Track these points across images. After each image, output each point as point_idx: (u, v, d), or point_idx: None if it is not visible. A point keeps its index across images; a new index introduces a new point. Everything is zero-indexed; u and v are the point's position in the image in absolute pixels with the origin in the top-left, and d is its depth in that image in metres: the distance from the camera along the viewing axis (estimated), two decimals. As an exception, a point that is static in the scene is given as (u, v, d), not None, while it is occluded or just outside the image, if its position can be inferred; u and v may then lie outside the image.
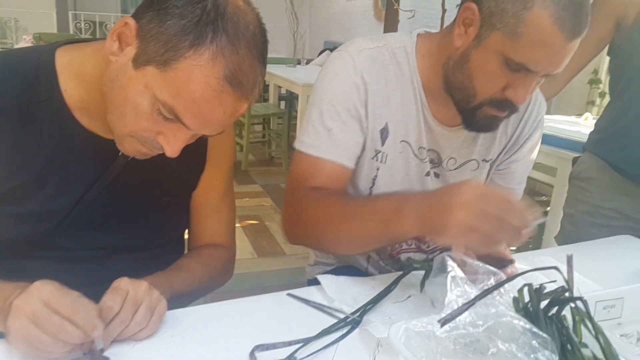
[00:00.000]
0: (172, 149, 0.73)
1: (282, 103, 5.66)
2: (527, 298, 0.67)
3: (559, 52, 0.80)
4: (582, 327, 0.63)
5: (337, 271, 0.99)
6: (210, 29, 0.66)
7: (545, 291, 0.66)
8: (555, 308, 0.65)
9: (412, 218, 0.77)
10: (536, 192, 3.33)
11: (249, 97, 0.71)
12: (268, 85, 5.30)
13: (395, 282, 0.88)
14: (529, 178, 2.89)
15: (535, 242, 2.56)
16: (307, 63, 6.14)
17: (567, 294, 0.65)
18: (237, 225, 3.23)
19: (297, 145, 0.98)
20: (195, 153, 0.90)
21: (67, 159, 0.80)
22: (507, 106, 0.87)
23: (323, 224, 0.90)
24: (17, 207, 0.79)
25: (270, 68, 4.88)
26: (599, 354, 0.61)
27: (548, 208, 2.38)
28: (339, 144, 0.95)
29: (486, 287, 0.67)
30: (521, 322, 0.60)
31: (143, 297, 0.70)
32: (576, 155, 1.68)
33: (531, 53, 0.80)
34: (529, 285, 0.65)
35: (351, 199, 0.98)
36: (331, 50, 6.58)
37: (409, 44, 0.97)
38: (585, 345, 0.63)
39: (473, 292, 0.66)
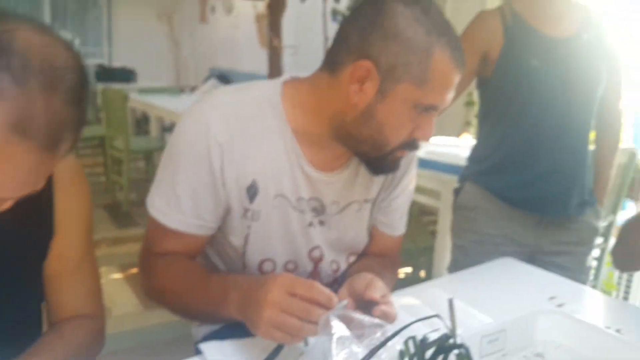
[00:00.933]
0: None
1: (167, 135, 5.46)
2: (412, 350, 0.65)
3: (454, 85, 0.87)
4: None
5: (224, 332, 0.92)
6: None
7: (430, 340, 0.64)
8: (441, 357, 0.64)
9: (234, 307, 0.81)
10: (425, 212, 3.47)
11: (52, 149, 0.59)
12: (149, 117, 5.07)
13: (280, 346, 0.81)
14: (416, 202, 3.00)
15: (426, 266, 2.66)
16: (191, 90, 5.98)
17: (450, 341, 0.63)
18: (119, 276, 3.00)
19: (148, 206, 0.93)
20: (39, 218, 0.79)
21: None
22: (415, 145, 0.91)
23: (167, 294, 0.93)
24: None
25: (150, 98, 4.68)
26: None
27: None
28: (189, 213, 0.91)
29: (373, 343, 0.64)
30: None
31: None
32: (457, 178, 1.73)
33: (439, 94, 0.85)
34: (413, 337, 0.63)
35: (190, 274, 0.92)
36: (217, 77, 6.49)
37: (274, 94, 0.93)
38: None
39: (360, 351, 0.63)
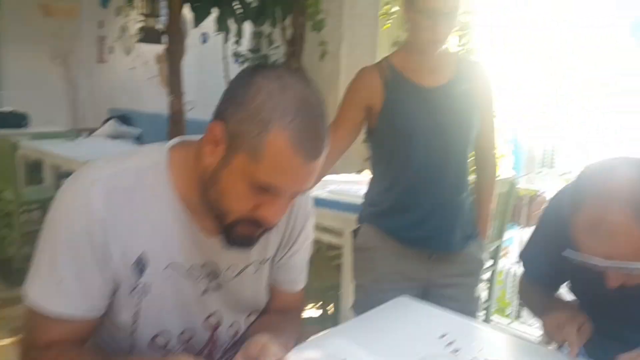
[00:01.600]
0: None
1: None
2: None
3: (300, 173, 0.82)
4: None
5: None
6: None
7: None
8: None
9: None
10: (331, 246, 3.52)
11: None
12: (42, 165, 4.77)
13: None
14: (320, 240, 3.03)
15: (335, 301, 2.69)
16: (90, 134, 5.72)
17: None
18: (9, 341, 2.74)
19: (26, 294, 0.87)
20: None
21: None
22: (260, 225, 0.87)
23: None
24: None
25: (44, 144, 4.41)
26: None
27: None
28: (75, 296, 0.87)
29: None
30: None
31: None
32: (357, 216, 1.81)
33: (274, 175, 0.81)
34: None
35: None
36: (117, 117, 6.26)
37: (159, 161, 0.91)
38: None
39: None
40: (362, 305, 1.68)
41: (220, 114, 0.84)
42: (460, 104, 1.59)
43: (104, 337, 0.98)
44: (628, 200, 0.94)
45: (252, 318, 1.09)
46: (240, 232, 0.87)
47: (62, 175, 4.79)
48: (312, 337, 1.15)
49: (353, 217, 2.23)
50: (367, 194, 1.75)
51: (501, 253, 2.90)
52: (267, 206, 0.84)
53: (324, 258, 2.89)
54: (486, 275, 2.73)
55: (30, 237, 4.25)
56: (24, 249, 3.89)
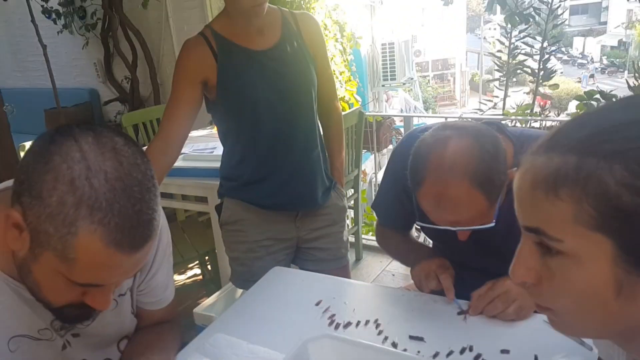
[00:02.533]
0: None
1: None
2: None
3: (124, 265, 0.74)
4: None
5: None
6: None
7: None
8: None
9: None
10: (201, 213, 3.48)
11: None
12: None
13: None
14: (188, 210, 2.95)
15: (213, 265, 2.69)
16: None
17: None
18: None
19: None
20: None
21: None
22: (91, 308, 0.80)
23: None
24: None
25: None
26: None
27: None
28: None
29: None
30: None
31: None
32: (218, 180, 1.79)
33: (95, 274, 0.73)
34: None
35: None
36: None
37: None
38: None
39: None
40: (242, 276, 1.74)
41: (18, 198, 0.72)
42: (296, 62, 1.58)
43: None
44: (464, 172, 1.02)
45: (124, 344, 1.06)
46: (70, 314, 0.82)
47: None
48: (193, 341, 1.15)
49: (213, 182, 2.21)
50: (221, 169, 1.72)
51: (360, 178, 3.08)
52: (94, 295, 0.78)
53: (197, 225, 2.85)
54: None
55: None
56: None
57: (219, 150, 2.52)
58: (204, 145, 2.67)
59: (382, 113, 3.33)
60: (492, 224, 1.08)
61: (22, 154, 2.58)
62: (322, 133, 1.75)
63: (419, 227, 1.33)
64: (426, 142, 1.09)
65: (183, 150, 2.54)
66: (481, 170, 1.02)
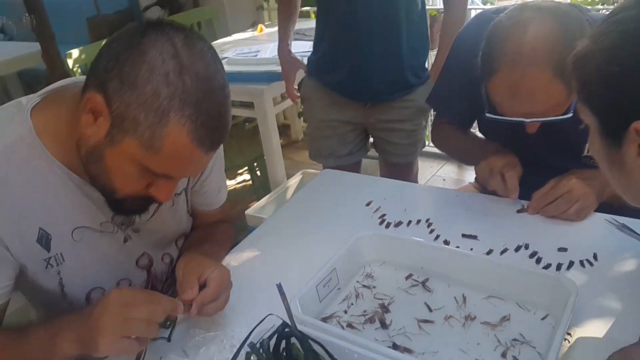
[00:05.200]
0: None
1: None
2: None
3: (199, 163, 0.79)
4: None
5: None
6: None
7: (270, 333, 0.71)
8: (283, 343, 0.71)
9: (70, 343, 0.77)
10: (249, 120, 3.49)
11: None
12: None
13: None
14: (235, 116, 2.97)
15: (262, 171, 2.73)
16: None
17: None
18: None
19: None
20: None
21: None
22: (153, 200, 0.84)
23: None
24: None
25: None
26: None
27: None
28: None
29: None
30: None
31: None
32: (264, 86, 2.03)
33: (171, 166, 0.76)
34: (252, 345, 0.69)
35: (1, 335, 0.83)
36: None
37: (25, 131, 0.80)
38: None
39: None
40: (312, 151, 1.87)
41: (100, 84, 0.72)
42: None
43: (39, 302, 0.98)
44: (547, 61, 0.92)
45: (181, 241, 1.10)
46: (129, 207, 0.85)
47: None
48: (246, 238, 1.18)
49: (259, 87, 2.18)
50: (314, 43, 1.76)
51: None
52: (159, 188, 0.81)
53: (243, 132, 2.86)
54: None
55: None
56: None
57: (263, 53, 2.47)
58: (247, 48, 2.62)
59: (437, 6, 2.95)
60: (570, 115, 0.99)
61: (69, 62, 2.60)
62: (427, 24, 1.69)
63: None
64: (503, 25, 0.98)
65: (225, 55, 2.52)
66: (565, 59, 0.93)
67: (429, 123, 1.85)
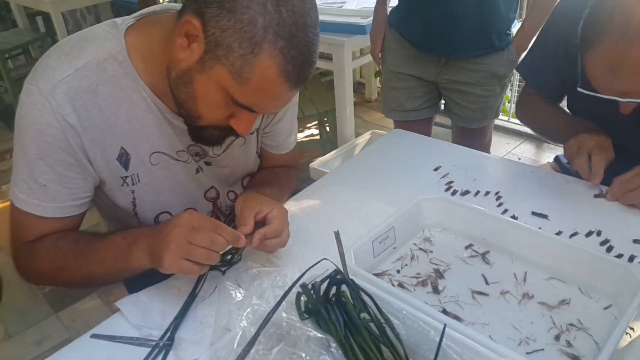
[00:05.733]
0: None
1: (39, 20, 4.87)
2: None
3: (282, 98, 0.79)
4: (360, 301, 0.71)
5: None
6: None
7: (322, 277, 0.72)
8: (334, 290, 0.72)
9: (142, 254, 0.82)
10: (323, 73, 3.47)
11: None
12: (8, 4, 4.46)
13: (198, 284, 0.88)
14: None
15: (331, 125, 2.72)
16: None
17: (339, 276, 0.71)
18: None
19: (12, 197, 0.88)
20: None
21: None
22: (232, 132, 0.86)
23: (58, 271, 0.89)
24: None
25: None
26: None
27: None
28: (60, 198, 0.87)
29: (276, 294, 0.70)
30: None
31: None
32: (344, 39, 1.99)
33: (256, 98, 0.77)
34: (304, 286, 0.70)
35: (82, 239, 0.89)
36: None
37: (118, 50, 0.84)
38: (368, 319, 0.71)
39: (261, 303, 0.70)
40: (382, 101, 1.88)
41: (198, 8, 0.73)
42: None
43: (112, 217, 1.03)
44: None
45: (247, 180, 1.13)
46: (209, 135, 0.87)
47: (33, 12, 4.52)
48: (308, 187, 1.19)
49: (340, 38, 2.14)
50: None
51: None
52: (240, 119, 0.82)
53: (319, 84, 2.84)
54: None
55: (21, 83, 4.21)
56: (18, 95, 3.89)
57: (349, 4, 2.41)
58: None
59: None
60: None
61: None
62: None
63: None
64: None
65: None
66: None
67: (505, 93, 1.77)
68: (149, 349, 0.79)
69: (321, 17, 2.20)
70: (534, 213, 1.03)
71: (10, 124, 3.69)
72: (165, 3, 0.86)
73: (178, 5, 0.86)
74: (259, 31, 0.70)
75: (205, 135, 0.87)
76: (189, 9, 0.75)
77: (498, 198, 1.09)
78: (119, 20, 0.88)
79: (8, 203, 2.94)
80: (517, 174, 1.18)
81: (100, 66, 0.83)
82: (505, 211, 1.04)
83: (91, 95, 0.83)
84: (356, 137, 2.56)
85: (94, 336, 0.84)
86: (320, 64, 2.50)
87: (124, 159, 0.89)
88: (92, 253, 0.87)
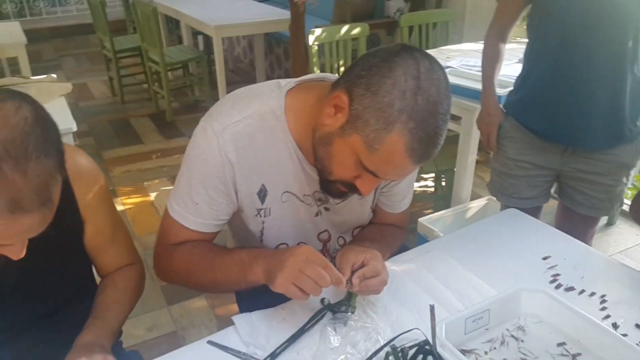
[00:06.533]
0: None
1: (200, 38, 5.44)
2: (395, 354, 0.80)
3: (405, 170, 0.91)
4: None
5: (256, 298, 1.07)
6: None
7: (410, 344, 0.79)
8: (420, 358, 0.79)
9: (260, 270, 0.97)
10: (450, 130, 3.48)
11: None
12: (179, 22, 5.04)
13: (309, 323, 0.98)
14: None
15: (448, 185, 2.75)
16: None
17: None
18: (170, 187, 3.25)
19: (168, 207, 1.08)
20: (67, 212, 0.96)
21: None
22: (356, 191, 0.98)
23: (190, 273, 1.08)
24: None
25: (178, 3, 4.62)
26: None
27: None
28: (207, 216, 1.06)
29: (367, 348, 0.79)
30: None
31: None
32: (478, 104, 1.89)
33: (382, 167, 0.89)
34: (394, 348, 0.78)
35: (213, 250, 1.07)
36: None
37: (278, 107, 1.01)
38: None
39: (354, 352, 0.79)
40: (494, 186, 1.85)
41: (349, 85, 0.88)
42: None
43: (242, 238, 1.21)
44: None
45: (357, 231, 1.26)
46: (335, 189, 1.00)
47: (197, 31, 5.06)
48: (414, 248, 1.26)
49: (473, 104, 2.19)
50: (515, 80, 1.74)
51: None
52: (365, 181, 0.94)
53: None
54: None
55: (177, 93, 4.76)
56: (173, 104, 4.41)
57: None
58: (473, 61, 2.62)
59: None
60: None
61: (310, 37, 2.88)
62: None
63: None
64: None
65: (450, 63, 2.56)
66: None
67: (630, 181, 1.70)
68: (252, 366, 0.92)
69: (457, 81, 2.30)
70: (637, 325, 1.01)
71: (161, 127, 4.19)
72: (318, 73, 1.04)
73: (332, 76, 1.04)
74: (395, 112, 0.82)
75: (332, 188, 1.01)
76: (341, 85, 0.90)
77: (603, 302, 1.08)
78: (282, 82, 1.05)
79: (148, 199, 3.32)
80: (630, 281, 1.16)
81: (262, 118, 1.01)
82: (607, 317, 1.04)
83: (250, 139, 1.00)
84: (472, 199, 2.56)
85: (209, 342, 0.99)
86: (449, 124, 2.55)
87: (262, 194, 1.06)
88: (220, 262, 1.04)
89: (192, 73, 4.94)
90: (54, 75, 2.48)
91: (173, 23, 6.03)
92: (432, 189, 3.19)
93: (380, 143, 0.84)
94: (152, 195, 3.23)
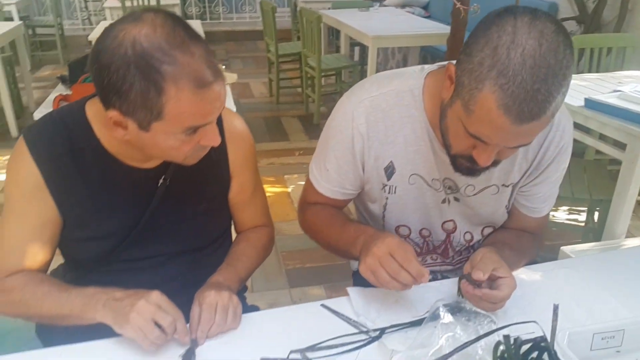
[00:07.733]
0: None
1: (356, 49, 5.63)
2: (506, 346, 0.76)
3: (510, 133, 0.82)
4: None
5: None
6: None
7: (526, 339, 0.75)
8: (535, 354, 0.74)
9: (359, 248, 1.01)
10: (614, 161, 3.19)
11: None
12: (339, 33, 5.27)
13: (427, 318, 0.92)
14: (598, 152, 2.72)
15: (601, 219, 2.50)
16: (381, 3, 5.97)
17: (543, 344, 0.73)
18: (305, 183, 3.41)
19: (310, 169, 1.19)
20: (220, 168, 1.09)
21: (113, 190, 1.00)
22: (474, 162, 0.92)
23: (316, 231, 1.19)
24: (81, 232, 1.01)
25: (341, 15, 4.85)
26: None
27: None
28: (334, 183, 1.13)
29: (477, 331, 0.77)
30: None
31: (228, 304, 0.94)
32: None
33: (481, 129, 0.84)
34: (506, 337, 0.74)
35: (335, 218, 1.15)
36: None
37: (416, 86, 1.03)
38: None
39: (463, 335, 0.77)
40: None
41: (460, 57, 0.87)
42: None
43: (365, 215, 1.24)
44: None
45: (488, 230, 1.19)
46: (460, 164, 0.97)
47: (355, 42, 5.25)
48: (554, 261, 1.17)
49: (638, 129, 1.97)
50: None
51: None
52: (479, 150, 0.90)
53: (602, 170, 2.64)
54: None
55: (326, 98, 4.98)
56: (321, 107, 4.62)
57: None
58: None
59: None
60: None
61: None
62: None
63: None
64: None
65: (621, 88, 2.34)
66: None
67: None
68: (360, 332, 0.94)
69: (625, 105, 2.10)
70: None
71: (308, 128, 4.41)
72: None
73: None
74: (485, 70, 0.79)
75: (457, 164, 0.98)
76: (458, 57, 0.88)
77: None
78: (426, 66, 1.07)
79: (286, 190, 3.53)
80: None
81: (399, 95, 1.03)
82: None
83: (383, 114, 1.03)
84: (627, 237, 2.30)
85: (323, 305, 1.03)
86: (612, 151, 2.33)
87: (389, 170, 1.08)
88: (335, 230, 1.12)
89: (344, 81, 5.12)
90: (223, 66, 2.75)
91: (334, 34, 6.32)
92: (583, 223, 2.92)
93: (474, 103, 0.82)
94: (290, 188, 3.42)
